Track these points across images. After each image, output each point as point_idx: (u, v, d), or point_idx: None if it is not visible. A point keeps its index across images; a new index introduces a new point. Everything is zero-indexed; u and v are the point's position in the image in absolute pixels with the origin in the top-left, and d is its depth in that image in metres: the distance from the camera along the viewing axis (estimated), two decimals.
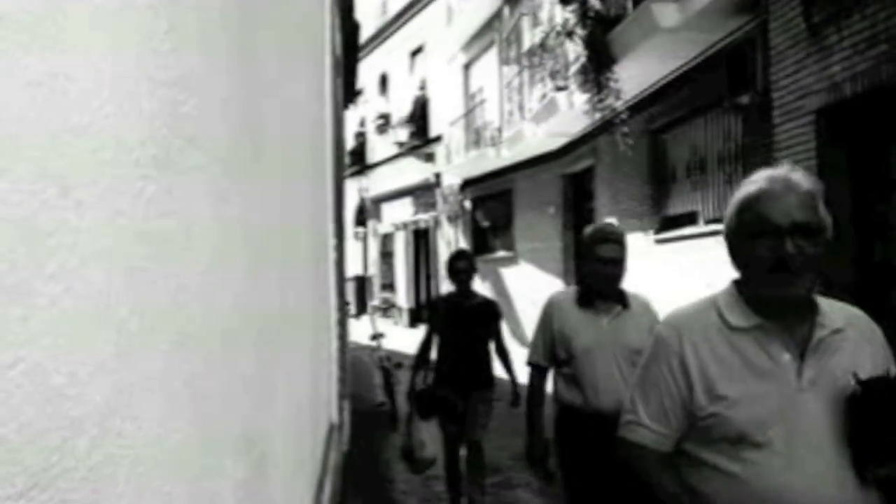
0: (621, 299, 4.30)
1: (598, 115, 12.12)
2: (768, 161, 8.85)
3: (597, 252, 4.16)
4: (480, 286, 22.19)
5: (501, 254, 20.72)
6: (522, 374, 6.27)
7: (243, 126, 1.65)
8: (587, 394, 4.16)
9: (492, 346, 6.62)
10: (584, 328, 4.23)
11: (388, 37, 28.37)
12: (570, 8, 12.32)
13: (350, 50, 12.54)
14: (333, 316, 5.06)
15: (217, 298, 1.42)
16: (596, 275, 4.21)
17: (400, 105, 26.76)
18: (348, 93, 15.70)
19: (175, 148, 1.14)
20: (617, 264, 4.17)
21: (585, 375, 4.16)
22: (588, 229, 4.34)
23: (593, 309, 4.26)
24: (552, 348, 4.34)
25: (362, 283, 28.64)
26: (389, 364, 11.06)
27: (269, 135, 2.05)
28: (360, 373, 14.23)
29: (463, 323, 6.39)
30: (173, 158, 1.13)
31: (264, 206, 2.01)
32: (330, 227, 5.01)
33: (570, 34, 12.48)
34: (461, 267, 6.46)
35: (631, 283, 13.08)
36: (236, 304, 1.58)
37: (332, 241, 5.11)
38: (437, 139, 24.10)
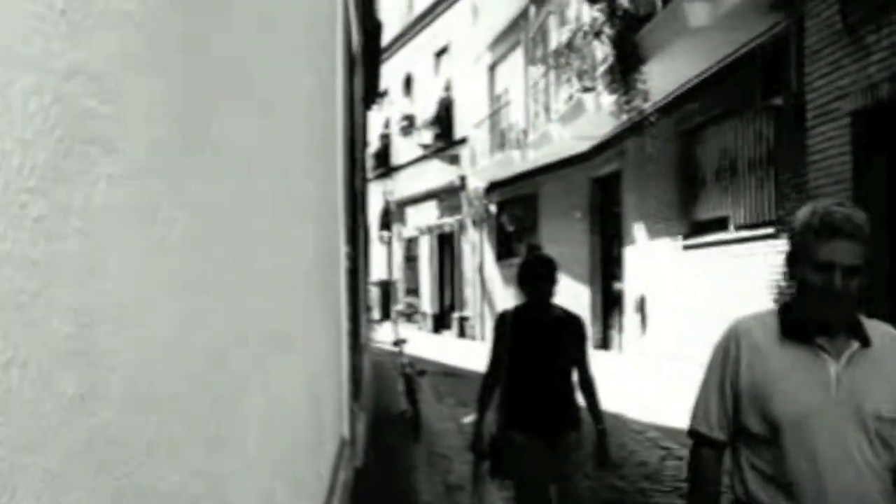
0: (856, 331, 2.53)
1: (625, 117, 11.91)
2: (802, 165, 8.56)
3: (818, 253, 2.41)
4: (504, 293, 22.03)
5: None
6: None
7: (188, 127, 1.40)
8: (801, 493, 2.47)
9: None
10: (798, 380, 2.49)
11: (412, 37, 28.19)
12: (598, 6, 12.08)
13: (372, 49, 12.35)
14: (344, 327, 4.83)
15: (143, 331, 1.17)
16: (815, 291, 2.45)
17: (425, 106, 26.56)
18: (371, 93, 15.52)
19: (76, 154, 0.90)
20: (853, 275, 2.39)
21: (799, 461, 2.46)
22: (804, 213, 2.53)
23: (811, 348, 2.50)
24: (736, 412, 2.60)
25: (387, 287, 28.46)
26: (412, 371, 10.83)
27: (230, 136, 1.79)
28: (382, 380, 14.03)
29: (541, 345, 4.87)
30: (73, 166, 0.89)
31: (225, 218, 1.76)
32: (341, 234, 4.78)
33: (597, 33, 12.27)
34: (540, 273, 4.89)
35: (657, 290, 12.86)
36: (172, 338, 1.33)
37: (343, 249, 4.88)
38: (462, 141, 23.90)
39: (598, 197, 17.15)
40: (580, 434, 4.96)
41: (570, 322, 5.01)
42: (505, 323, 5.02)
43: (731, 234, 11.08)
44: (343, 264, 4.80)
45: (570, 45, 14.45)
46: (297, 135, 2.84)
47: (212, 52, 1.53)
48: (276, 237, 2.37)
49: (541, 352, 4.87)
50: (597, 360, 17.75)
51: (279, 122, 2.37)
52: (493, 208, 22.67)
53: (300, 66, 2.81)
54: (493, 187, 22.30)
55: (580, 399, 5.00)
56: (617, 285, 16.10)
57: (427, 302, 26.96)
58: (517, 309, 5.06)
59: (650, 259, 13.83)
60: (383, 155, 29.71)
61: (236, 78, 1.77)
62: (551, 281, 4.88)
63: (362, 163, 11.57)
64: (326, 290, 3.99)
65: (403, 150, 28.35)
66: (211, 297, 1.59)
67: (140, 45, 1.11)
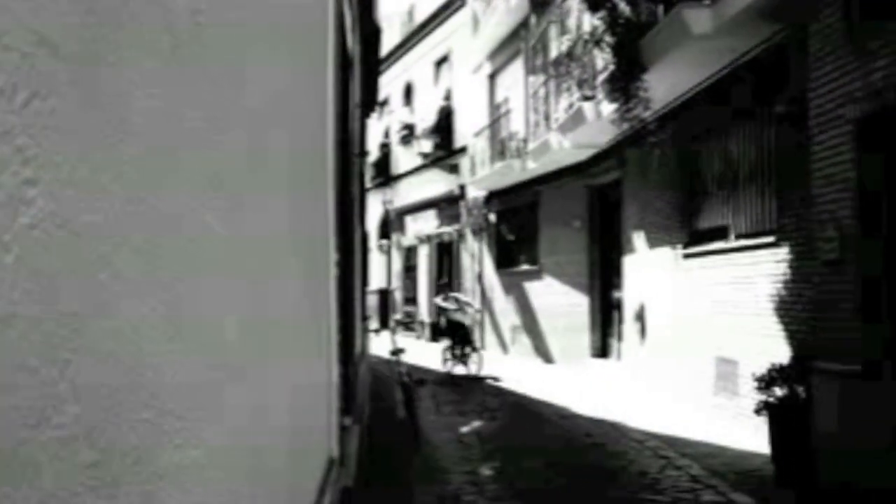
0: None
1: (626, 126, 11.80)
2: (804, 173, 8.44)
3: None
4: (504, 301, 21.89)
5: (525, 267, 20.40)
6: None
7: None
8: None
9: None
10: None
11: (413, 45, 28.14)
12: (599, 15, 11.97)
13: (371, 56, 12.23)
14: (334, 339, 4.69)
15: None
16: None
17: (425, 115, 26.47)
18: (370, 101, 15.41)
19: None
20: None
21: None
22: None
23: None
24: None
25: (385, 296, 28.33)
26: (410, 380, 10.72)
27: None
28: (379, 389, 13.91)
29: None
30: None
31: (195, 226, 1.63)
32: (331, 243, 4.64)
33: (598, 42, 12.16)
34: None
35: (656, 298, 12.77)
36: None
37: (333, 259, 4.73)
38: (462, 150, 23.82)
39: (597, 206, 17.08)
40: None
41: None
42: None
43: (730, 242, 10.98)
44: (333, 274, 4.67)
45: (570, 54, 14.37)
46: (280, 137, 2.70)
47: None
48: (255, 246, 2.24)
49: None
50: (595, 368, 17.70)
51: (257, 121, 2.23)
52: (492, 217, 22.58)
53: (282, 61, 2.67)
54: (492, 196, 22.23)
55: None
56: (616, 294, 16.00)
57: (425, 311, 26.81)
58: None
59: (650, 268, 13.74)
60: (383, 164, 29.63)
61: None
62: None
63: (360, 170, 11.43)
64: (313, 302, 3.85)
65: (403, 159, 28.27)
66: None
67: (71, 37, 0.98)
